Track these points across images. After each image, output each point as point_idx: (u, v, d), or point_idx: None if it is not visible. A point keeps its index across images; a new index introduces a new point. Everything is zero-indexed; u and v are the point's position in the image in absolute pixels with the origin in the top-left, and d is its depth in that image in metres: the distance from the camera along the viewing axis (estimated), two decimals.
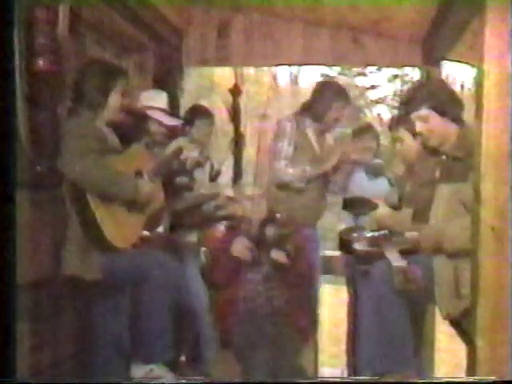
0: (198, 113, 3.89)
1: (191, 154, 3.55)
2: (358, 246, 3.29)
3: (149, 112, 3.38)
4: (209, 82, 14.32)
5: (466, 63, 4.41)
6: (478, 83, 2.30)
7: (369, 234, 3.27)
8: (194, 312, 3.43)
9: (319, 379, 3.49)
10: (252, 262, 3.20)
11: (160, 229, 3.21)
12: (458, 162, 2.70)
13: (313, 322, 3.47)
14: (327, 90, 3.80)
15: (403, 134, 3.25)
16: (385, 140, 4.23)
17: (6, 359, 1.88)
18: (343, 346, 3.76)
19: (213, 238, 3.74)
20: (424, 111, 2.75)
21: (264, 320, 3.08)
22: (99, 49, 3.59)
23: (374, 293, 2.83)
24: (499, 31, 2.19)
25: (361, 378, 2.88)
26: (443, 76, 4.77)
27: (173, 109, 3.84)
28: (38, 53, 2.58)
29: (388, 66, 10.20)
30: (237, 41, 4.54)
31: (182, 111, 4.15)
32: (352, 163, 3.93)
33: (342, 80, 16.39)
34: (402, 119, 3.21)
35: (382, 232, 3.13)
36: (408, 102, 2.87)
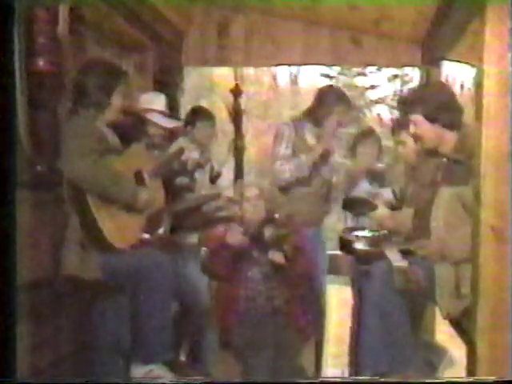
0: (200, 114, 3.89)
1: (192, 155, 3.55)
2: (359, 246, 3.30)
3: (147, 115, 3.37)
4: (209, 82, 14.31)
5: (466, 63, 4.41)
6: (478, 83, 2.30)
7: (369, 234, 3.28)
8: (193, 312, 3.43)
9: (319, 379, 3.49)
10: (251, 262, 3.20)
11: (161, 230, 3.21)
12: (459, 165, 2.70)
13: (318, 322, 3.48)
14: (328, 95, 3.80)
15: (405, 137, 3.26)
16: (387, 142, 4.23)
17: (6, 359, 1.88)
18: (344, 346, 3.76)
19: (213, 239, 3.74)
20: (416, 116, 2.77)
21: (264, 320, 3.08)
22: (99, 49, 3.59)
23: (375, 293, 2.84)
24: (499, 31, 2.19)
25: (361, 378, 2.88)
26: (443, 76, 4.77)
27: (172, 109, 3.85)
28: (38, 53, 2.58)
29: (388, 66, 10.20)
30: (237, 41, 4.55)
31: (182, 111, 4.15)
32: (356, 171, 3.94)
33: (342, 80, 16.42)
34: (403, 122, 3.21)
35: (382, 232, 3.13)
36: (401, 107, 2.89)
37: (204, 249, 3.86)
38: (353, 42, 4.48)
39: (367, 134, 4.21)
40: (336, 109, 3.74)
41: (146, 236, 2.99)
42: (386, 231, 3.17)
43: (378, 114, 16.82)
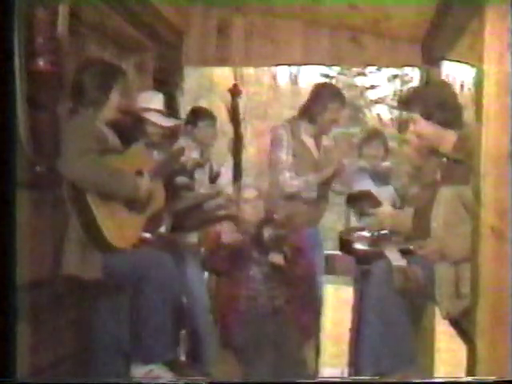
0: (201, 114, 3.89)
1: (192, 154, 3.55)
2: (358, 246, 3.30)
3: (144, 114, 3.37)
4: (209, 82, 14.33)
5: (466, 63, 4.41)
6: (478, 83, 2.30)
7: (368, 234, 3.28)
8: (194, 312, 3.43)
9: (319, 379, 3.49)
10: (251, 262, 3.20)
11: (161, 229, 3.21)
12: (459, 165, 2.70)
13: (316, 322, 3.48)
14: (323, 92, 3.82)
15: (416, 116, 3.20)
16: (391, 143, 4.25)
17: (6, 359, 1.88)
18: (343, 346, 3.77)
19: (210, 239, 3.75)
20: (414, 114, 2.78)
21: (265, 319, 3.08)
22: (99, 49, 3.59)
23: (375, 292, 2.84)
24: (499, 31, 2.19)
25: (361, 378, 2.88)
26: (443, 76, 4.77)
27: (172, 109, 3.84)
28: (38, 53, 2.57)
29: (388, 66, 10.21)
30: (237, 41, 4.54)
31: (182, 111, 4.15)
32: (359, 169, 3.96)
33: (342, 80, 16.43)
34: (406, 121, 3.19)
35: (382, 232, 3.13)
36: (401, 106, 2.90)
37: (204, 249, 3.86)
38: (353, 42, 4.48)
39: (373, 135, 4.23)
40: (330, 106, 3.76)
41: (147, 235, 3.00)
42: (385, 231, 3.17)
43: (378, 114, 16.86)
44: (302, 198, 3.73)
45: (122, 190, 2.73)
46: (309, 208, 3.80)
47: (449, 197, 2.71)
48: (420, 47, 4.35)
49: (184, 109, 4.17)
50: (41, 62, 2.58)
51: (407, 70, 14.67)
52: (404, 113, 2.97)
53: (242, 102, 4.09)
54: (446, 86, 3.03)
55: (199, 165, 3.64)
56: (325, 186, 3.85)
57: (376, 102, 17.19)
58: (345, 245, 3.44)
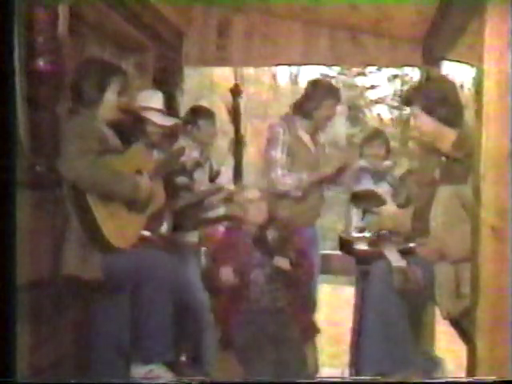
0: (200, 113, 3.89)
1: (192, 154, 3.55)
2: (359, 246, 3.30)
3: (144, 113, 3.37)
4: (209, 82, 14.32)
5: (466, 63, 4.42)
6: (478, 83, 2.30)
7: (368, 234, 3.28)
8: (194, 312, 3.43)
9: (319, 379, 3.49)
10: (255, 264, 3.20)
11: (162, 229, 3.20)
12: (458, 164, 2.70)
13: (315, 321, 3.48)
14: (317, 88, 3.83)
15: (417, 111, 3.11)
16: (395, 143, 4.27)
17: (6, 359, 1.88)
18: (343, 346, 3.76)
19: (213, 238, 3.75)
20: (415, 109, 2.78)
21: (266, 320, 3.08)
22: (99, 49, 3.59)
23: (374, 292, 2.84)
24: (499, 31, 2.19)
25: (361, 378, 2.88)
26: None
27: (172, 109, 3.84)
28: (38, 53, 2.57)
29: (388, 66, 10.21)
30: (237, 41, 4.54)
31: (182, 111, 4.15)
32: (361, 169, 3.96)
33: (342, 80, 16.43)
34: (415, 95, 3.09)
35: (382, 232, 3.13)
36: (404, 100, 2.90)
37: (204, 249, 3.86)
38: (353, 42, 4.48)
39: (374, 134, 4.24)
40: (325, 102, 3.77)
41: (147, 233, 2.99)
42: (385, 231, 3.17)
43: (378, 114, 16.87)
44: (294, 197, 3.72)
45: (122, 190, 2.73)
46: (306, 208, 3.80)
47: (448, 196, 2.71)
48: (420, 47, 4.35)
49: (184, 109, 4.17)
50: (41, 62, 2.58)
51: (407, 69, 14.69)
52: (405, 111, 2.98)
53: (242, 102, 4.09)
54: (447, 82, 3.02)
55: (199, 164, 3.64)
56: (322, 184, 3.85)
57: (376, 102, 17.20)
58: (345, 245, 3.44)
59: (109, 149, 2.76)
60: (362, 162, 4.01)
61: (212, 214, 3.76)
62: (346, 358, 3.68)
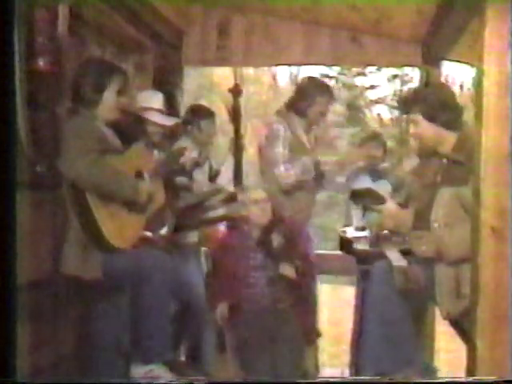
0: (200, 113, 3.89)
1: (191, 154, 3.55)
2: (359, 246, 3.30)
3: (144, 113, 3.37)
4: (209, 82, 14.33)
5: (466, 63, 4.42)
6: (478, 83, 2.30)
7: (369, 234, 3.28)
8: (194, 312, 3.43)
9: (319, 379, 3.49)
10: (257, 266, 3.19)
11: (164, 230, 3.20)
12: (459, 166, 2.70)
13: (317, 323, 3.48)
14: (310, 86, 3.84)
15: (417, 117, 3.13)
16: (389, 143, 4.29)
17: (6, 359, 1.88)
18: (343, 346, 3.76)
19: (213, 238, 3.75)
20: (413, 116, 2.78)
21: (267, 321, 3.07)
22: (99, 49, 3.59)
23: (375, 292, 2.84)
24: (499, 31, 2.19)
25: (361, 378, 2.88)
26: (443, 76, 4.78)
27: (172, 109, 3.84)
28: (38, 53, 2.57)
29: (388, 66, 10.22)
30: (237, 41, 4.54)
31: (182, 111, 4.15)
32: (359, 169, 3.97)
33: (342, 80, 16.43)
34: (414, 102, 3.11)
35: (383, 232, 3.13)
36: (401, 105, 2.90)
37: (204, 249, 3.86)
38: (353, 42, 4.48)
39: (372, 137, 4.26)
40: (319, 99, 3.79)
41: (149, 234, 2.99)
42: (386, 231, 3.17)
43: (378, 114, 16.86)
44: (299, 186, 3.72)
45: (122, 190, 2.73)
46: (300, 207, 3.80)
47: (448, 197, 2.71)
48: (420, 47, 4.35)
49: (184, 109, 4.17)
50: (41, 62, 2.58)
51: (407, 69, 14.67)
52: (399, 113, 2.98)
53: (242, 102, 4.09)
54: (445, 87, 3.03)
55: (198, 164, 3.63)
56: (320, 180, 3.87)
57: (376, 101, 17.19)
58: (345, 245, 3.44)
59: (109, 149, 2.76)
60: (361, 163, 4.02)
61: (212, 215, 3.76)
62: (346, 358, 3.68)
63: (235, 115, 4.00)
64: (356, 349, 3.39)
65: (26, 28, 2.49)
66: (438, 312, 2.92)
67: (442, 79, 4.80)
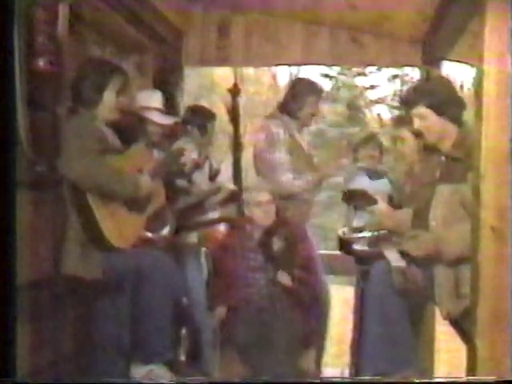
0: (200, 113, 3.89)
1: (191, 155, 3.54)
2: (358, 247, 3.30)
3: (144, 113, 3.37)
4: (209, 82, 14.33)
5: (466, 63, 4.42)
6: (478, 83, 2.30)
7: (368, 234, 3.28)
8: (194, 312, 3.43)
9: (319, 379, 3.49)
10: (257, 267, 3.19)
11: (165, 231, 3.19)
12: (458, 163, 2.70)
13: (319, 326, 3.47)
14: (299, 86, 3.87)
15: (404, 133, 3.26)
16: (387, 143, 4.30)
17: (6, 359, 1.88)
18: (343, 346, 3.76)
19: (213, 238, 3.75)
20: (422, 109, 2.76)
21: (267, 322, 3.07)
22: (99, 49, 3.59)
23: (374, 293, 2.84)
24: (499, 31, 2.19)
25: (361, 378, 2.88)
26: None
27: (172, 109, 3.84)
28: (38, 53, 2.57)
29: (388, 66, 10.21)
30: (237, 41, 4.54)
31: (182, 111, 4.15)
32: (358, 169, 3.98)
33: (342, 80, 16.43)
34: (403, 119, 3.22)
35: (382, 232, 3.13)
36: (407, 100, 2.89)
37: (204, 249, 3.86)
38: (353, 42, 4.48)
39: (369, 138, 4.27)
40: (308, 100, 3.80)
41: (149, 235, 2.99)
42: (385, 231, 3.17)
43: (378, 114, 16.87)
44: (301, 199, 3.74)
45: (122, 190, 2.73)
46: (304, 205, 3.81)
47: (447, 195, 2.71)
48: (420, 47, 4.35)
49: (184, 108, 4.17)
50: (41, 62, 2.57)
51: (407, 69, 14.68)
52: (401, 110, 2.97)
53: (241, 102, 4.09)
54: (447, 81, 3.03)
55: (198, 165, 3.63)
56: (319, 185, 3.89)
57: (376, 102, 17.19)
58: (345, 245, 3.44)
59: (109, 148, 2.77)
60: (359, 164, 4.03)
61: (212, 216, 3.76)
62: (346, 358, 3.68)
63: (234, 115, 4.00)
64: (356, 349, 3.38)
65: (25, 28, 2.49)
66: (438, 312, 2.92)
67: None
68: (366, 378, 2.77)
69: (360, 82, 16.90)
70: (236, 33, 4.54)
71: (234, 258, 3.23)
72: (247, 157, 4.01)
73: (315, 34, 4.50)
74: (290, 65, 7.64)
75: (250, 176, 4.08)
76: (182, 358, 3.60)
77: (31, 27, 2.54)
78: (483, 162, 2.24)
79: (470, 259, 2.36)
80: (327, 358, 4.00)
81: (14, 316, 1.92)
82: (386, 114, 16.66)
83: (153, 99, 3.45)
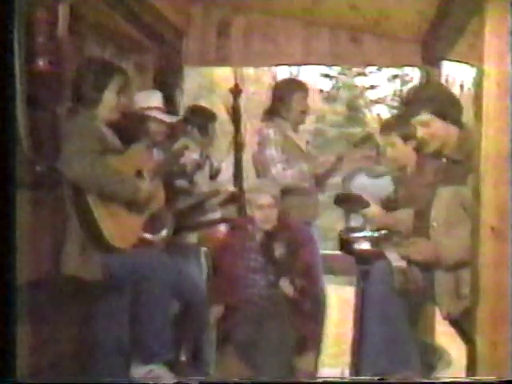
0: (200, 113, 3.89)
1: (191, 156, 3.54)
2: (358, 246, 3.29)
3: (147, 112, 3.37)
4: (209, 82, 14.33)
5: (466, 63, 4.42)
6: (478, 83, 2.30)
7: (368, 234, 3.28)
8: (194, 312, 3.43)
9: (319, 379, 3.49)
10: (258, 268, 3.19)
11: (164, 232, 3.19)
12: (458, 165, 2.70)
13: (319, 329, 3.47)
14: (282, 86, 3.90)
15: (395, 139, 3.27)
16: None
17: (6, 359, 1.89)
18: (343, 346, 3.76)
19: (213, 238, 3.75)
20: (425, 116, 2.74)
21: (267, 323, 3.07)
22: (99, 49, 3.59)
23: (375, 293, 2.84)
24: (499, 31, 2.19)
25: (361, 378, 2.88)
26: (443, 76, 4.77)
27: (172, 109, 3.84)
28: (38, 53, 2.57)
29: (388, 66, 10.21)
30: (237, 41, 4.54)
31: (182, 111, 4.15)
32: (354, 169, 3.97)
33: (342, 80, 16.45)
34: (393, 124, 3.24)
35: (383, 232, 3.13)
36: (407, 108, 2.87)
37: (204, 249, 3.86)
38: (353, 42, 4.48)
39: (365, 139, 4.26)
40: (294, 97, 3.80)
41: (149, 236, 2.99)
42: (386, 231, 3.17)
43: (378, 114, 16.88)
44: (297, 190, 3.73)
45: (122, 189, 2.73)
46: (305, 201, 3.80)
47: (447, 197, 2.71)
48: (420, 47, 4.35)
49: (184, 109, 4.17)
50: (41, 62, 2.58)
51: (407, 69, 14.70)
52: (390, 116, 2.97)
53: (241, 102, 4.09)
54: (443, 86, 3.04)
55: (199, 166, 3.63)
56: (319, 180, 3.87)
57: (376, 102, 17.21)
58: (345, 245, 3.43)
59: (109, 149, 2.77)
60: (356, 163, 4.02)
61: (213, 216, 3.76)
62: (346, 357, 3.68)
63: (235, 115, 4.00)
64: (356, 349, 3.38)
65: (25, 28, 2.49)
66: (438, 312, 2.92)
67: (442, 79, 4.80)
68: (366, 377, 2.77)
69: (360, 81, 16.93)
70: (236, 33, 4.54)
71: (235, 259, 3.22)
72: (247, 157, 4.01)
73: (315, 34, 4.50)
74: (289, 65, 7.64)
75: (250, 177, 4.08)
76: (182, 358, 3.60)
77: (31, 27, 2.54)
78: (483, 163, 2.24)
79: (470, 264, 2.36)
80: (327, 358, 4.00)
81: (14, 316, 1.92)
82: (386, 113, 16.68)
83: (153, 99, 3.45)
